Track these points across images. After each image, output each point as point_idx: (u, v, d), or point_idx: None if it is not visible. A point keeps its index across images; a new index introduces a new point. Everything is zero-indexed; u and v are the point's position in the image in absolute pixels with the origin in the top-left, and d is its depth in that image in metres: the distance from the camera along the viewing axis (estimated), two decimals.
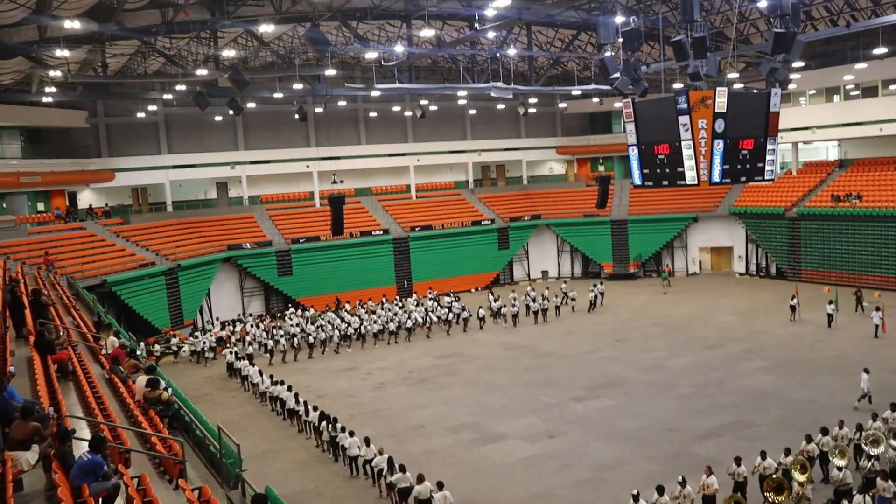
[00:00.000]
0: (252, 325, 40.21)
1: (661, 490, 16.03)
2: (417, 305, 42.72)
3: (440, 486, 17.31)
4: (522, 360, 33.13)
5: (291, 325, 39.21)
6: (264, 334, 38.23)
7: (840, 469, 16.69)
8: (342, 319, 39.63)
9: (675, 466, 19.64)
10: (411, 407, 27.42)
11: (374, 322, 39.26)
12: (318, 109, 49.27)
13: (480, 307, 41.26)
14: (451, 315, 40.38)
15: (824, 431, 18.60)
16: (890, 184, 45.54)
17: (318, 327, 38.10)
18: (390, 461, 19.24)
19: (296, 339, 37.44)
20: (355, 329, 37.85)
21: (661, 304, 43.25)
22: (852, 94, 47.58)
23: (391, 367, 33.41)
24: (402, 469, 18.47)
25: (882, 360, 29.05)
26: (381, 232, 51.22)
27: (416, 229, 52.20)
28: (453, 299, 42.83)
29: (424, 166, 57.02)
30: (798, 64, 34.25)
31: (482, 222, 54.46)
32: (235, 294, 46.99)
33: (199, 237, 46.45)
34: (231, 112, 36.73)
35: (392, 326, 38.61)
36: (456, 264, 52.14)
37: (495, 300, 42.06)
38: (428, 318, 39.54)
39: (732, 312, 39.85)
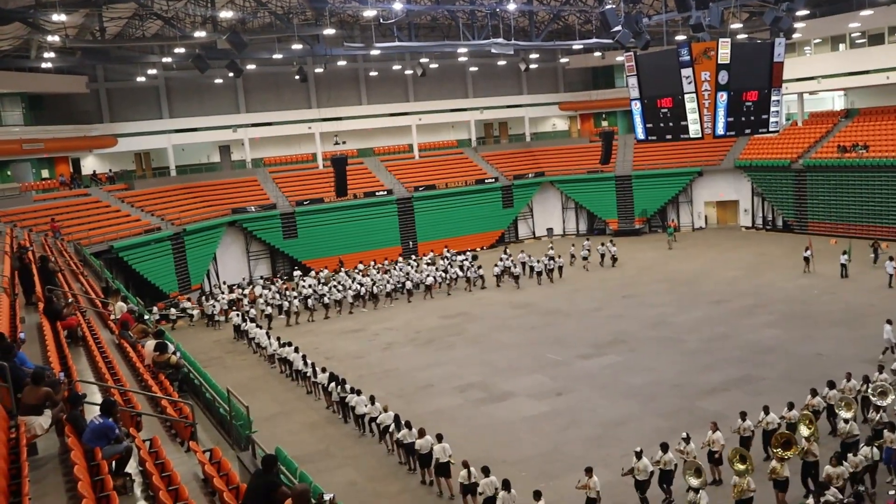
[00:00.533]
0: (264, 288, 40.38)
1: (665, 447, 16.15)
2: (431, 264, 42.86)
3: (439, 438, 17.81)
4: (529, 319, 33.28)
5: (304, 287, 39.48)
6: (278, 296, 38.41)
7: (847, 421, 16.69)
8: (354, 280, 39.87)
9: (681, 422, 19.82)
10: (419, 367, 27.65)
11: (388, 282, 39.49)
12: (318, 70, 49.02)
13: (496, 265, 41.17)
14: (465, 273, 40.57)
15: (831, 385, 18.60)
16: None
17: (331, 288, 38.40)
18: (396, 418, 19.67)
19: (310, 301, 37.68)
20: (367, 290, 38.12)
21: (666, 260, 43.26)
22: (858, 42, 46.96)
23: (398, 327, 33.60)
24: (408, 426, 18.89)
25: (891, 312, 29.04)
26: (385, 192, 51.13)
27: (420, 189, 52.10)
28: (466, 258, 42.98)
29: (426, 125, 56.72)
30: (802, 12, 33.78)
31: (486, 181, 54.30)
32: (241, 258, 47.13)
33: (203, 201, 46.47)
34: (231, 74, 36.55)
35: (409, 285, 38.81)
36: (460, 223, 52.10)
37: (509, 258, 42.04)
38: (446, 276, 39.83)
39: (738, 267, 39.86)
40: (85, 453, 8.98)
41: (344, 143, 53.64)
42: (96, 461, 8.92)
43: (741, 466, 14.96)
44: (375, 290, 38.28)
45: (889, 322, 23.66)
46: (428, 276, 39.73)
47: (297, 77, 42.26)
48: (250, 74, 47.32)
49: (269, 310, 36.38)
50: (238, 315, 34.14)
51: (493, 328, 32.27)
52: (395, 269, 42.22)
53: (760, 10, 39.68)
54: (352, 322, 35.41)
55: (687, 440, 16.41)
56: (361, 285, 38.62)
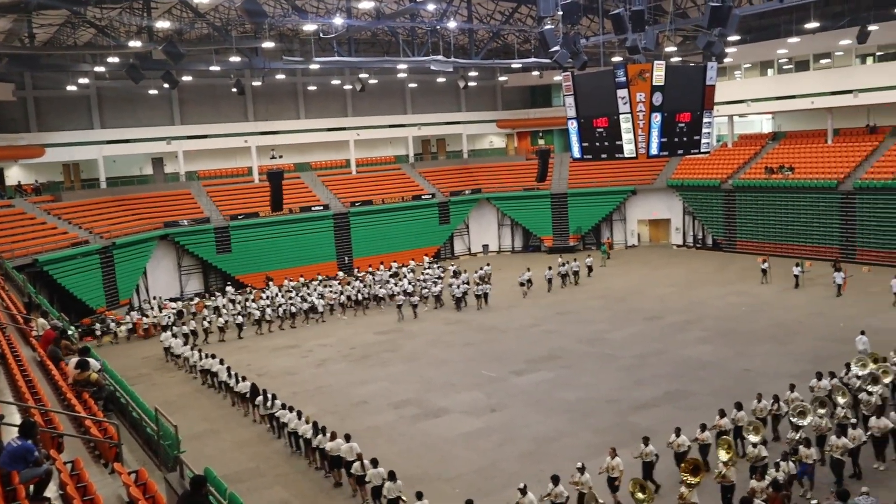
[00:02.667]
0: (228, 300, 40.28)
1: (556, 480, 15.54)
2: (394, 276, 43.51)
3: (347, 438, 18.57)
4: (464, 335, 33.28)
5: (265, 299, 39.47)
6: (243, 306, 38.64)
7: (755, 445, 16.79)
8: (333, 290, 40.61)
9: (614, 437, 19.98)
10: (354, 383, 27.36)
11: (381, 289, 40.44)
12: (256, 83, 48.44)
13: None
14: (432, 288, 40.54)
15: (738, 406, 18.75)
16: (821, 156, 46.83)
17: (301, 298, 38.62)
18: (314, 425, 19.88)
19: (279, 310, 37.53)
20: (349, 297, 39.12)
21: (601, 277, 43.81)
22: (785, 67, 48.60)
23: (333, 343, 33.24)
24: (323, 431, 19.38)
25: (817, 328, 30.03)
26: (321, 207, 50.70)
27: (357, 204, 51.80)
28: (440, 272, 43.95)
29: (364, 140, 56.49)
30: (734, 38, 34.82)
31: (423, 197, 54.33)
32: (173, 272, 46.08)
33: (134, 214, 45.33)
34: (166, 85, 35.77)
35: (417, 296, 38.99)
36: (397, 239, 51.92)
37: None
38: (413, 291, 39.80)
39: (671, 284, 40.62)
40: (2, 477, 8.58)
41: (280, 157, 53.08)
42: (13, 485, 8.52)
43: (641, 496, 14.86)
44: (359, 296, 39.03)
45: (863, 333, 24.17)
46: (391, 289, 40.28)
47: (234, 90, 41.63)
48: (186, 86, 46.50)
49: (239, 319, 36.28)
50: (169, 331, 33.40)
51: (429, 344, 32.16)
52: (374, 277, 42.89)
53: (694, 34, 40.71)
54: (285, 338, 34.90)
55: (581, 470, 15.95)
56: (341, 293, 39.45)
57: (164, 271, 45.51)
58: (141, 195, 47.58)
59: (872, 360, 21.23)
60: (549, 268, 42.10)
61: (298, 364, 30.49)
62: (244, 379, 25.06)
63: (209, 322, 36.77)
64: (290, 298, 38.69)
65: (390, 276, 43.85)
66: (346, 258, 50.38)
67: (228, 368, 26.50)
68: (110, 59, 35.60)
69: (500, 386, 25.91)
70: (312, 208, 50.32)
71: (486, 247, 56.35)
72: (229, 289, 42.54)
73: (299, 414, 21.16)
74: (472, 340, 32.29)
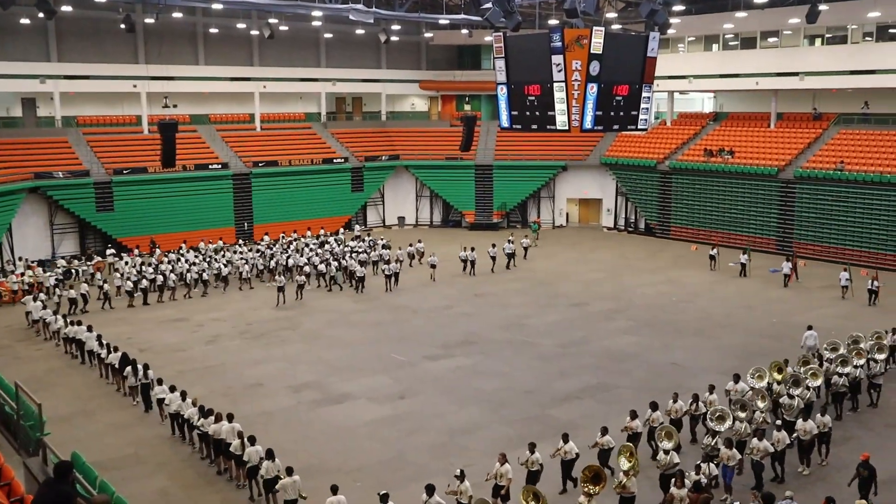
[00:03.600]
0: (129, 261, 39.88)
1: (430, 489, 15.20)
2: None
3: (230, 418, 18.64)
4: (372, 315, 33.25)
5: (186, 261, 39.50)
6: (149, 269, 38.14)
7: (667, 452, 16.75)
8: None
9: (531, 431, 20.31)
10: (248, 363, 27.06)
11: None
12: (149, 20, 46.72)
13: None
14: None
15: (653, 406, 18.99)
16: (763, 140, 48.36)
17: (227, 262, 39.26)
18: (201, 408, 19.69)
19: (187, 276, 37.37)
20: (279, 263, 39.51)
21: (524, 258, 44.28)
22: (731, 44, 49.88)
23: (227, 318, 32.78)
24: (210, 413, 19.25)
25: (746, 322, 31.15)
26: (220, 166, 49.71)
27: (260, 165, 51.03)
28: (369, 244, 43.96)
29: (272, 94, 55.56)
30: (679, 8, 35.46)
31: (334, 160, 53.87)
32: (44, 231, 44.42)
33: None
34: (41, 15, 34.28)
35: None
36: (304, 206, 51.45)
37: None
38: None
39: (599, 269, 41.41)
40: None
41: (175, 106, 51.69)
42: None
43: None
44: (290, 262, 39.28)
45: (810, 328, 25.34)
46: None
47: (122, 26, 40.10)
48: (66, 17, 44.63)
49: (144, 283, 35.90)
50: (33, 298, 32.34)
51: (332, 323, 32.03)
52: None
53: (637, 1, 41.33)
54: (173, 310, 34.23)
55: (461, 477, 15.57)
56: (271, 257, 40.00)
57: (33, 229, 43.82)
58: (8, 140, 45.55)
59: (801, 363, 22.19)
60: (493, 245, 42.30)
61: (187, 339, 29.95)
62: (116, 349, 24.90)
63: (105, 284, 35.50)
64: (203, 262, 39.10)
65: (319, 244, 44.05)
66: (245, 224, 49.63)
67: (99, 336, 26.18)
68: None
69: (411, 371, 26.02)
70: (209, 166, 49.28)
71: (402, 219, 56.32)
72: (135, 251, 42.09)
73: (184, 395, 20.81)
74: (380, 320, 32.30)
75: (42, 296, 33.70)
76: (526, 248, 44.63)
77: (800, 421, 18.42)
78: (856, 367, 21.84)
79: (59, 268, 38.89)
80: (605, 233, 52.94)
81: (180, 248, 42.86)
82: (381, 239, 45.70)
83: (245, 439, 17.61)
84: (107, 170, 46.29)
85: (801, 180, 44.00)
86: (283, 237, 45.73)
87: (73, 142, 47.72)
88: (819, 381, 21.17)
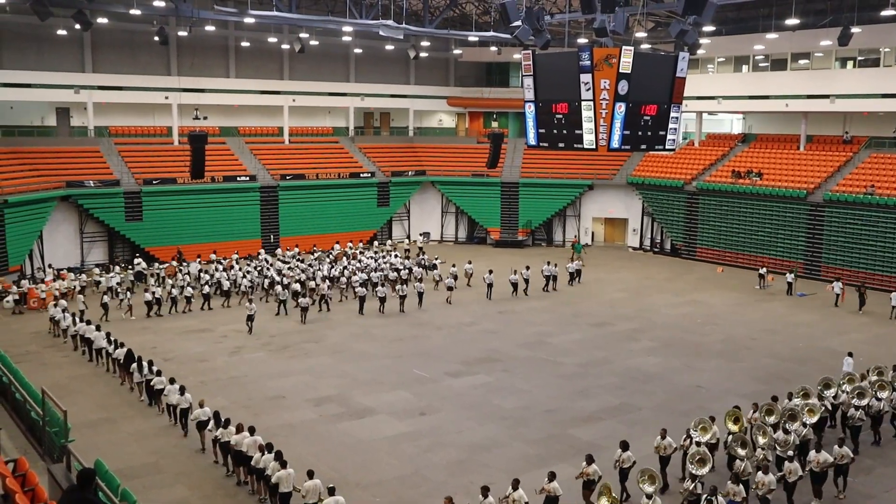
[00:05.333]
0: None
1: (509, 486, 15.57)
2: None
3: (252, 431, 18.72)
4: (395, 329, 33.27)
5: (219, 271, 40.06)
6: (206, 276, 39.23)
7: (649, 497, 15.47)
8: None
9: (551, 450, 20.22)
10: (271, 375, 27.13)
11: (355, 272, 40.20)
12: (182, 33, 47.46)
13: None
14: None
15: (624, 447, 17.80)
16: (792, 163, 48.03)
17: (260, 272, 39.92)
18: (216, 415, 19.92)
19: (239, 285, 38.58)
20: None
21: (578, 282, 43.18)
22: (761, 65, 49.64)
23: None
24: (227, 423, 19.30)
25: (771, 345, 30.86)
26: (248, 178, 50.07)
27: (288, 178, 51.33)
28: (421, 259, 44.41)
29: (300, 108, 55.94)
30: (709, 28, 35.35)
31: (361, 175, 54.08)
32: (74, 238, 44.93)
33: (32, 170, 44.03)
34: (78, 26, 34.79)
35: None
36: (330, 220, 51.70)
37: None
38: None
39: (623, 289, 41.21)
40: None
41: (205, 118, 52.18)
42: None
43: None
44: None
45: (850, 354, 25.04)
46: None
47: (156, 38, 40.71)
48: (101, 29, 45.27)
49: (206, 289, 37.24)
50: (55, 305, 32.71)
51: (355, 337, 32.08)
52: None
53: (667, 21, 41.32)
54: (197, 321, 34.43)
55: (515, 486, 15.61)
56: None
57: (63, 237, 44.34)
58: (41, 149, 46.24)
59: (800, 394, 21.57)
60: (528, 267, 41.13)
61: (211, 350, 30.10)
62: (122, 345, 25.72)
63: (175, 289, 36.40)
64: (249, 273, 39.66)
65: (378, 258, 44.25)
66: (271, 236, 49.90)
67: (108, 334, 27.32)
68: None
69: (432, 387, 25.99)
70: (238, 178, 49.66)
71: (426, 234, 56.38)
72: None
73: (182, 389, 21.70)
74: (402, 335, 32.31)
75: (63, 301, 33.99)
76: (578, 272, 42.91)
77: (812, 452, 17.88)
78: (878, 399, 21.27)
79: (131, 268, 40.79)
80: (630, 253, 52.71)
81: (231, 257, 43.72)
82: (433, 258, 45.19)
83: (271, 452, 17.54)
84: (137, 180, 46.78)
85: (830, 203, 43.60)
86: (315, 249, 45.99)
87: (105, 151, 48.29)
88: (815, 419, 20.13)
